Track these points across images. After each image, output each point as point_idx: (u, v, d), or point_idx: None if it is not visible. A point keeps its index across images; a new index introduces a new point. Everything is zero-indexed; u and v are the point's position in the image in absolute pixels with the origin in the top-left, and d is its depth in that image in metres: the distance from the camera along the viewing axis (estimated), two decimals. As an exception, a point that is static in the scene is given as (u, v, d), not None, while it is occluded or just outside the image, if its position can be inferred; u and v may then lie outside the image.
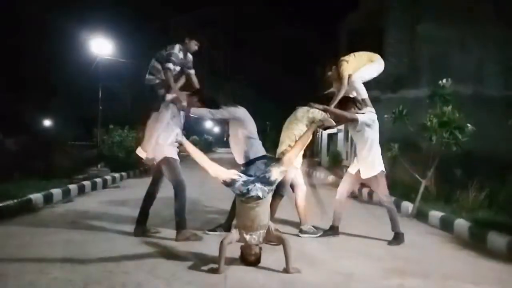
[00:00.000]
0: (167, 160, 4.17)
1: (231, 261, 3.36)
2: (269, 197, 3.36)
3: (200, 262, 3.39)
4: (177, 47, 4.32)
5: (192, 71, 4.54)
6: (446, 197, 6.25)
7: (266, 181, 3.33)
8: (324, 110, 4.31)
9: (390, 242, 4.38)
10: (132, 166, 10.79)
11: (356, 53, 4.64)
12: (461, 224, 5.01)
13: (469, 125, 5.79)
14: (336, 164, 13.10)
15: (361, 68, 4.48)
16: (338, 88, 4.57)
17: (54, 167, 8.72)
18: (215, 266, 3.20)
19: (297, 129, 4.25)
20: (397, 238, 4.39)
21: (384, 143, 6.27)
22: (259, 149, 4.30)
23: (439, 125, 5.73)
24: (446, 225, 5.28)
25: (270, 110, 21.14)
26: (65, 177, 8.03)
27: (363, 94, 4.47)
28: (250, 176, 4.16)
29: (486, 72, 10.06)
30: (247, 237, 3.27)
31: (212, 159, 3.59)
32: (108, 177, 8.96)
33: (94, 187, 8.01)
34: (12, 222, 4.78)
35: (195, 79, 4.55)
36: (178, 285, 2.90)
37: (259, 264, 3.32)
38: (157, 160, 4.25)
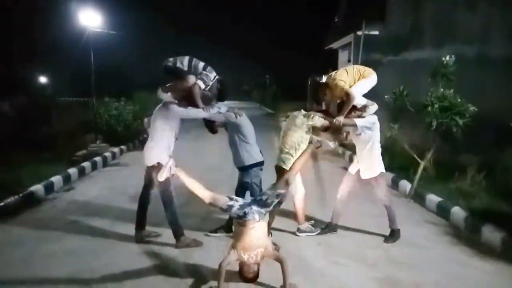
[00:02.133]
0: (159, 167, 4.12)
1: (230, 275, 3.45)
2: (266, 218, 3.38)
3: (200, 280, 3.48)
4: (213, 75, 4.34)
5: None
6: (444, 178, 6.27)
7: (262, 204, 3.33)
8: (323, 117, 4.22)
9: (386, 239, 4.48)
10: (131, 138, 10.76)
11: (348, 69, 4.41)
12: (457, 213, 5.08)
13: (471, 107, 5.64)
14: (337, 130, 12.98)
15: (357, 82, 4.31)
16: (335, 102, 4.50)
17: (53, 140, 8.67)
18: (214, 285, 3.30)
19: (297, 136, 4.16)
20: (393, 235, 4.48)
21: (385, 121, 6.17)
22: (255, 156, 4.25)
23: (440, 110, 5.60)
24: (442, 212, 5.36)
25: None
26: (64, 151, 8.04)
27: (363, 102, 4.36)
28: (247, 182, 4.21)
29: (492, 32, 9.61)
30: (245, 256, 3.32)
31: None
32: (107, 154, 8.96)
33: (94, 167, 8.04)
34: (15, 222, 4.88)
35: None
36: (179, 312, 3.00)
37: (258, 280, 3.42)
38: (149, 164, 4.23)
